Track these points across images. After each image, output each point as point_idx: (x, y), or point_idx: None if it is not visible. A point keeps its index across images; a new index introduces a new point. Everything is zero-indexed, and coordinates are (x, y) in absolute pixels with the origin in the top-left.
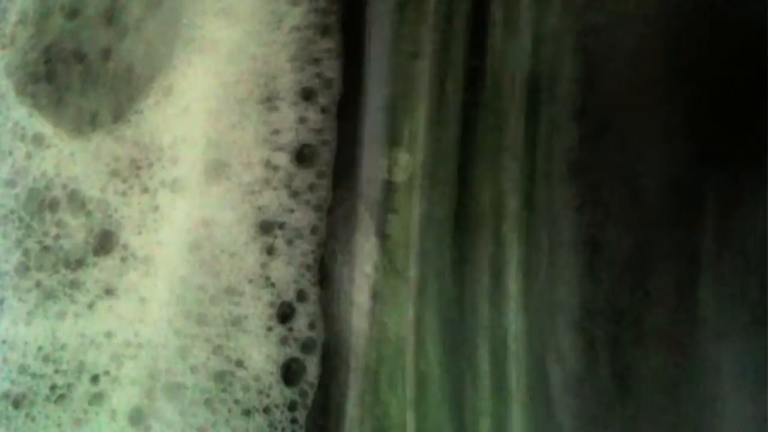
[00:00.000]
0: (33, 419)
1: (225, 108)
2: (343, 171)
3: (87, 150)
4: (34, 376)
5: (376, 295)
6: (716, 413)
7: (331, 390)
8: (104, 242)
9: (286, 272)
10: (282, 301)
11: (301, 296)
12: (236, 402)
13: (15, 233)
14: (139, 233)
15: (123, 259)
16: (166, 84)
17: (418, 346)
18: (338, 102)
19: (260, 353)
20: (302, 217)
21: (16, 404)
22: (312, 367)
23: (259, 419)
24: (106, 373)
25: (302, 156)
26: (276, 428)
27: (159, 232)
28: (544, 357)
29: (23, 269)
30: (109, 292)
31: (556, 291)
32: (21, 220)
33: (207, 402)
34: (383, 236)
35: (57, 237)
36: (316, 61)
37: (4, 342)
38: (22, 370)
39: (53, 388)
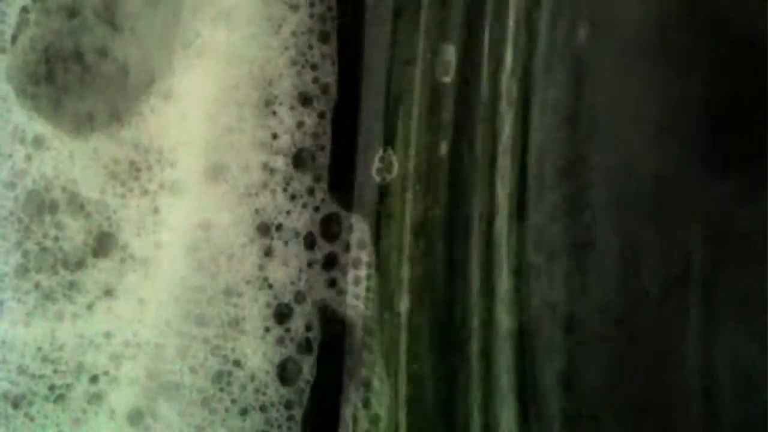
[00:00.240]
0: (32, 419)
1: (223, 111)
2: (339, 174)
3: (86, 152)
4: (33, 376)
5: (369, 297)
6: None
7: (326, 389)
8: (103, 244)
9: (283, 274)
10: (279, 302)
11: (298, 297)
12: (234, 401)
13: (14, 235)
14: (138, 235)
15: (122, 261)
16: (165, 87)
17: (411, 346)
18: (334, 107)
19: (257, 353)
20: (299, 220)
21: (15, 404)
22: (308, 367)
23: (257, 417)
24: (105, 373)
25: (299, 159)
26: (273, 426)
27: (158, 233)
28: (534, 357)
29: (22, 270)
30: (108, 293)
31: (547, 291)
32: (20, 221)
33: (205, 401)
34: (377, 238)
35: (56, 239)
36: (314, 66)
37: (3, 343)
38: (21, 370)
39: (52, 388)
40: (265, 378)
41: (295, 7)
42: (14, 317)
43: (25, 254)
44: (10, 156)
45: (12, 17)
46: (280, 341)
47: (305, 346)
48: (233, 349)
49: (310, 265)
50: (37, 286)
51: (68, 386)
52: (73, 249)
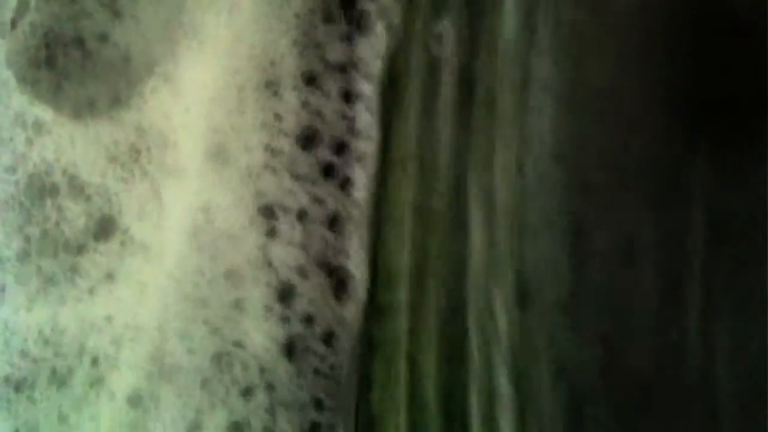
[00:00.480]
0: (34, 402)
1: (226, 93)
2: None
3: (87, 136)
4: (35, 360)
5: (370, 290)
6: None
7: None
8: (104, 227)
9: (285, 255)
10: (281, 282)
11: (301, 273)
12: (235, 382)
13: (16, 219)
14: (140, 218)
15: (123, 244)
16: (166, 69)
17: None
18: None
19: (260, 333)
20: (302, 201)
21: (17, 388)
22: (313, 342)
23: (261, 396)
24: (106, 356)
25: (304, 140)
26: (279, 405)
27: (159, 216)
28: (535, 354)
29: (24, 255)
30: (109, 276)
31: (547, 284)
32: (21, 206)
33: (205, 383)
34: (377, 226)
35: (57, 223)
36: (318, 45)
37: (5, 327)
38: (23, 354)
39: (54, 371)
40: (268, 356)
41: None
42: (16, 301)
43: (27, 239)
44: (11, 140)
45: (12, 2)
46: (284, 320)
47: (308, 321)
48: (235, 330)
49: (312, 246)
50: (38, 270)
51: (70, 369)
52: (74, 233)
